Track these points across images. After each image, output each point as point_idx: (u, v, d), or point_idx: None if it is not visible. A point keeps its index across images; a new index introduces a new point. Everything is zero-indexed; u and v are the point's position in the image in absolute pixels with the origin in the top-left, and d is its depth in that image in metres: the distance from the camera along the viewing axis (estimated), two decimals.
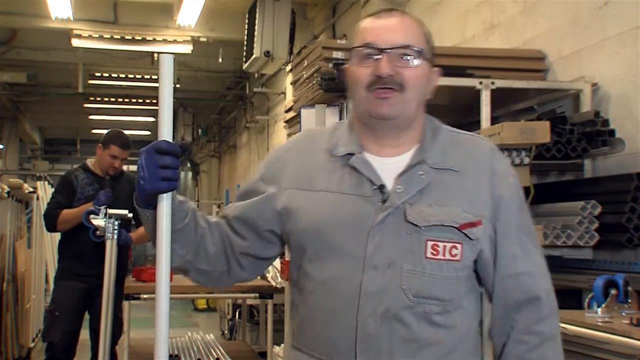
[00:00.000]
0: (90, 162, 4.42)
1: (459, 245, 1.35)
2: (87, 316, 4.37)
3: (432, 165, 1.38)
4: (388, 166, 1.38)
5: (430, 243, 1.33)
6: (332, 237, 1.36)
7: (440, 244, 1.34)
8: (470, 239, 1.36)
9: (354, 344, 1.32)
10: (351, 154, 1.39)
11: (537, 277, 1.42)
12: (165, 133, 1.36)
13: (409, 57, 1.36)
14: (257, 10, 7.25)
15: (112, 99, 13.28)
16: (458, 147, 1.43)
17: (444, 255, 1.34)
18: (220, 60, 9.98)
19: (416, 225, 1.33)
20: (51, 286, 5.16)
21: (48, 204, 4.43)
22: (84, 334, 4.35)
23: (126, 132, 4.49)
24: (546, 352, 1.40)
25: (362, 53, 1.38)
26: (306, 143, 1.49)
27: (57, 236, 4.63)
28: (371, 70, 1.35)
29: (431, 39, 1.43)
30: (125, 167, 4.53)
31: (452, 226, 1.34)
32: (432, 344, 1.35)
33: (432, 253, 1.33)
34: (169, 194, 1.35)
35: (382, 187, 1.36)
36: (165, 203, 1.35)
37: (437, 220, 1.33)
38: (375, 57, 1.36)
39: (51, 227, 4.30)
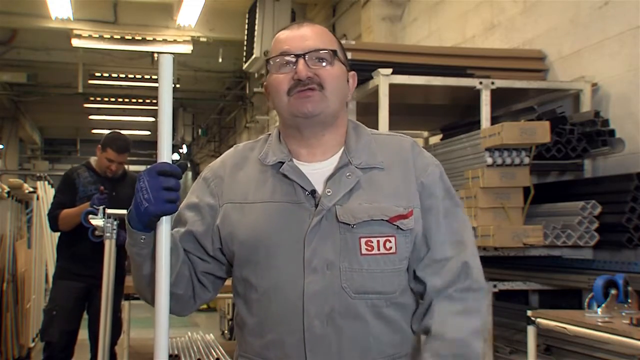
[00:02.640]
0: (93, 160, 4.38)
1: (392, 238, 1.39)
2: (86, 316, 4.36)
3: (358, 165, 1.43)
4: (317, 171, 1.44)
5: (363, 240, 1.38)
6: (271, 246, 1.40)
7: (373, 239, 1.38)
8: (403, 230, 1.40)
9: (303, 346, 1.36)
10: (281, 162, 1.44)
11: (466, 257, 1.45)
12: (165, 153, 1.36)
13: (324, 59, 1.43)
14: (257, 11, 7.25)
15: (112, 99, 13.28)
16: (381, 147, 1.48)
17: (378, 249, 1.38)
18: (220, 60, 9.98)
19: (348, 224, 1.38)
20: (51, 286, 5.15)
21: (51, 203, 4.43)
22: (83, 334, 4.33)
23: (126, 132, 4.46)
24: (469, 302, 1.42)
25: (279, 62, 1.44)
26: (239, 157, 1.53)
27: (57, 236, 4.62)
28: (290, 76, 1.42)
29: (342, 46, 1.51)
30: (133, 167, 4.48)
31: (382, 219, 1.39)
32: (378, 339, 1.39)
33: (367, 249, 1.38)
34: (169, 216, 1.37)
35: (313, 192, 1.41)
36: (165, 225, 1.36)
37: (367, 216, 1.38)
38: (293, 64, 1.42)
39: (54, 227, 4.30)
